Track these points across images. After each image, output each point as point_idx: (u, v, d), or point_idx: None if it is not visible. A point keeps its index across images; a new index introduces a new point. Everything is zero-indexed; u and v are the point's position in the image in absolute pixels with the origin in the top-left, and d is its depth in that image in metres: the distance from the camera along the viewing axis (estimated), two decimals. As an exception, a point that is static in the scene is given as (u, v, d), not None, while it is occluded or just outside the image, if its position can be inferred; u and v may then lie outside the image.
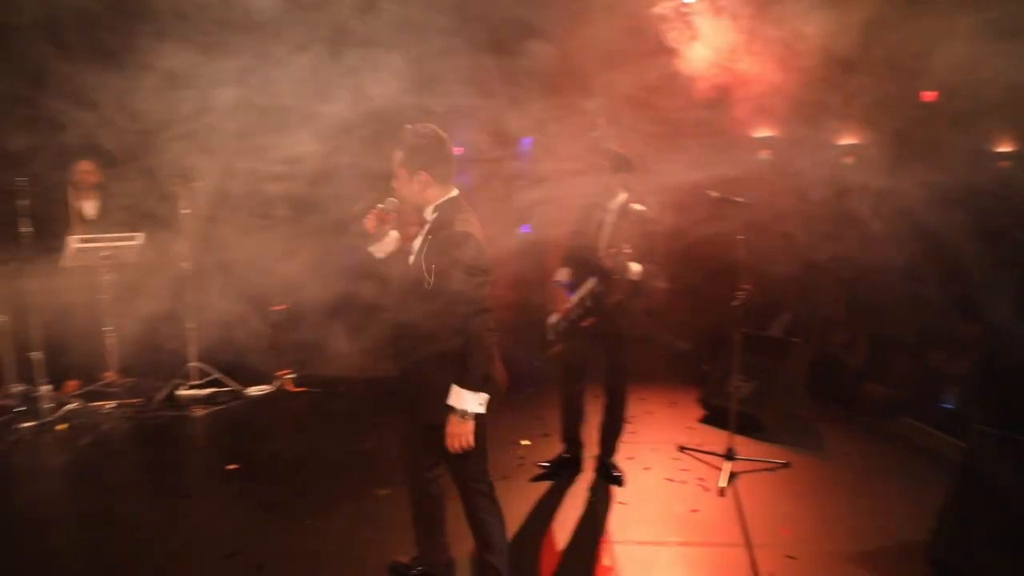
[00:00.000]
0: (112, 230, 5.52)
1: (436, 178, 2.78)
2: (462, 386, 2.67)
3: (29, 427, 5.05)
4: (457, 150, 8.68)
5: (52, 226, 5.37)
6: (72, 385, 5.69)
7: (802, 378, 5.47)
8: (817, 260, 5.73)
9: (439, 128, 2.81)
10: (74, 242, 5.23)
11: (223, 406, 5.59)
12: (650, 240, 3.95)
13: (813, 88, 5.33)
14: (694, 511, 3.90)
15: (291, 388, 5.97)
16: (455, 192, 2.84)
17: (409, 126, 2.80)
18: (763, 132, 7.31)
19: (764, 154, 7.23)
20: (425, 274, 2.70)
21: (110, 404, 5.49)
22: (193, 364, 5.77)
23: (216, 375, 5.80)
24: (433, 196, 2.80)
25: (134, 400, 5.58)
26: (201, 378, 5.78)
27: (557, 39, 6.05)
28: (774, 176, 6.09)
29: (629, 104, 5.90)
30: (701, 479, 4.27)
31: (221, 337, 5.68)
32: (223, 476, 4.39)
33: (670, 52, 5.20)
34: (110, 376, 5.80)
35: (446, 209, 2.79)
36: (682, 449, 4.68)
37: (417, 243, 2.83)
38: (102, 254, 5.35)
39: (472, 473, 2.89)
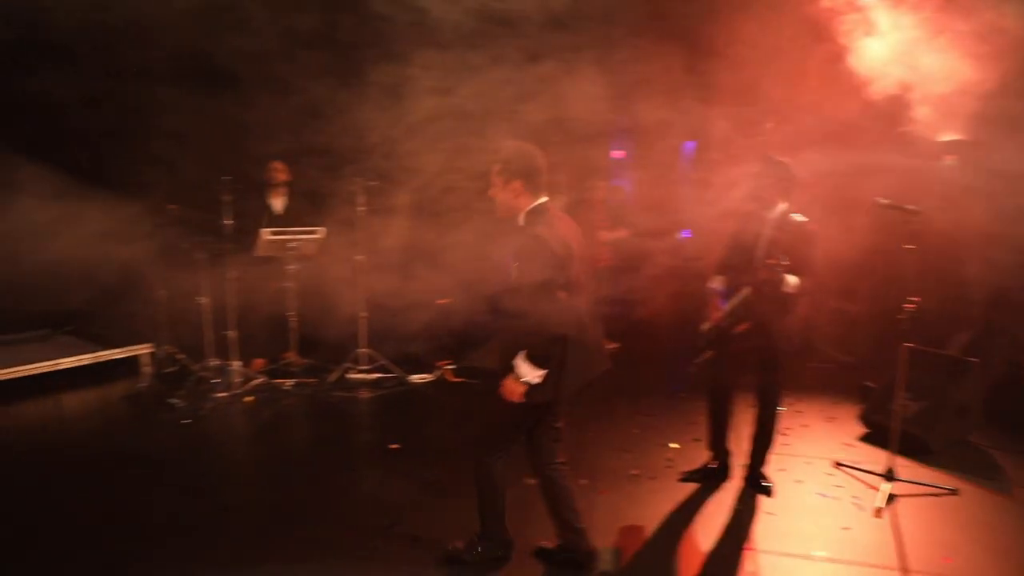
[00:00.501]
0: (297, 224, 6.06)
1: (527, 187, 3.13)
2: (527, 356, 3.06)
3: (222, 397, 5.67)
4: (618, 153, 8.78)
5: (249, 219, 5.97)
6: (258, 363, 6.30)
7: (979, 402, 5.11)
8: (1009, 276, 5.33)
9: (533, 144, 3.21)
10: (265, 234, 5.80)
11: (387, 391, 5.99)
12: (809, 252, 3.88)
13: (1006, 87, 4.97)
14: (846, 529, 3.78)
15: (450, 378, 6.29)
16: (544, 199, 3.17)
17: (508, 141, 3.23)
18: (948, 135, 6.86)
19: (948, 159, 6.78)
20: (510, 270, 3.09)
21: (289, 382, 6.03)
22: (363, 350, 6.21)
23: (383, 361, 6.21)
24: (524, 203, 3.16)
25: (310, 380, 6.11)
26: (369, 364, 6.22)
27: (721, 39, 5.99)
28: (960, 183, 5.71)
29: (797, 108, 5.75)
30: (856, 498, 4.12)
31: (389, 326, 6.11)
32: (385, 454, 4.73)
33: (843, 49, 5.03)
34: (290, 356, 6.38)
35: (533, 214, 3.15)
36: (838, 465, 4.52)
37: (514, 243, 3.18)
38: (289, 245, 5.89)
39: (492, 441, 3.33)
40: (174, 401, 5.55)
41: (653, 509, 3.99)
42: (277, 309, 6.12)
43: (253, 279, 5.86)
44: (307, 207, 6.31)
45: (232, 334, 5.81)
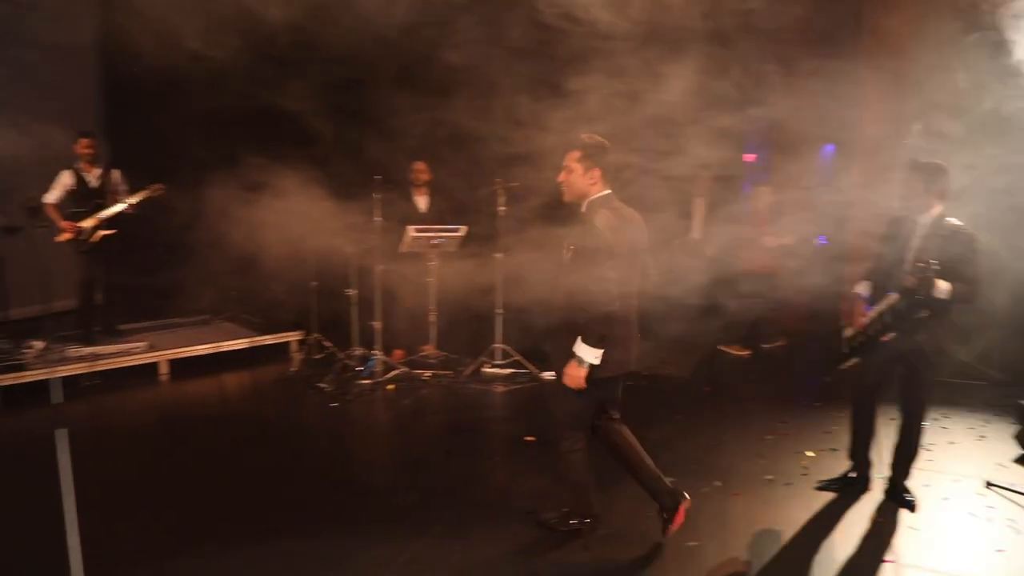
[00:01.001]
0: (440, 222, 6.34)
1: (603, 177, 3.37)
2: (583, 340, 3.23)
3: (366, 384, 6.01)
4: (749, 157, 8.61)
5: (396, 216, 6.30)
6: (398, 353, 6.63)
7: None
8: None
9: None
10: (411, 231, 6.11)
11: (521, 385, 6.16)
12: (965, 258, 3.73)
13: None
14: (1000, 551, 3.62)
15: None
16: (608, 191, 3.39)
17: (586, 134, 3.42)
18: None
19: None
20: (564, 253, 3.35)
21: (427, 373, 6.32)
22: (498, 346, 6.42)
23: (517, 357, 6.40)
24: (595, 191, 3.37)
25: (446, 372, 6.37)
26: (504, 359, 6.42)
27: (864, 36, 5.81)
28: None
29: (946, 108, 5.51)
30: (1011, 520, 3.92)
31: (524, 324, 6.29)
32: (520, 446, 4.90)
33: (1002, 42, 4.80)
34: (428, 349, 6.68)
35: (596, 203, 3.35)
36: (989, 485, 4.32)
37: (571, 231, 3.41)
38: (432, 242, 6.18)
39: (565, 420, 3.52)
40: (322, 385, 5.94)
41: (788, 514, 3.95)
42: (418, 303, 6.44)
43: (398, 274, 6.19)
44: (449, 206, 6.59)
45: (377, 325, 6.15)
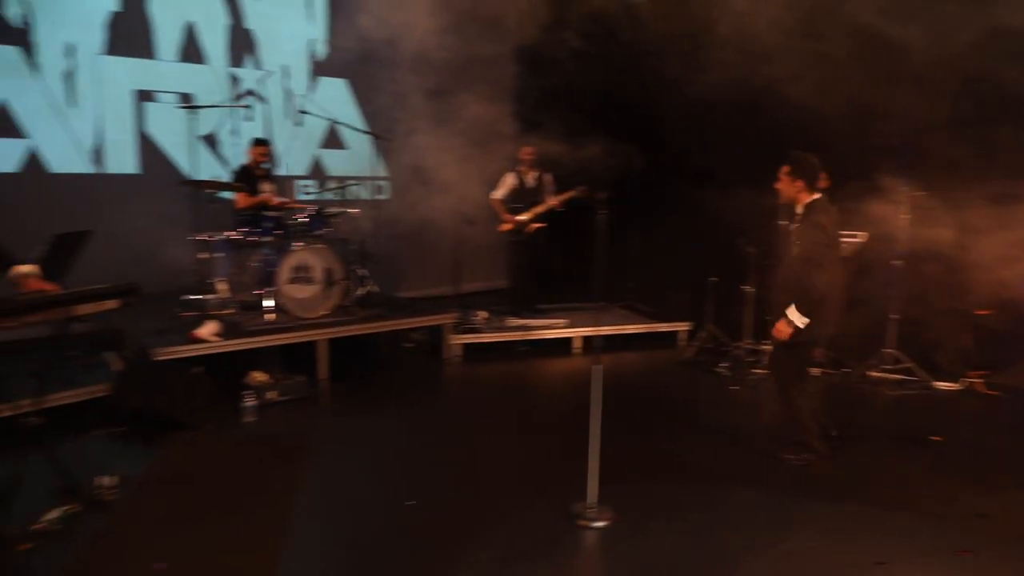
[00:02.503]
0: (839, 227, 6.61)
1: (807, 186, 4.45)
2: (796, 308, 4.36)
3: (760, 373, 6.53)
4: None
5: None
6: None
7: None
8: None
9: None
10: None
11: (909, 392, 6.24)
12: None
13: None
14: None
15: (982, 390, 6.28)
16: (818, 196, 4.46)
17: (798, 151, 4.47)
18: None
19: None
20: (794, 246, 4.50)
21: (817, 370, 6.65)
22: (889, 351, 6.55)
23: (908, 364, 6.48)
24: (803, 198, 4.47)
25: (835, 371, 6.66)
26: (894, 364, 6.53)
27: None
28: None
29: None
30: None
31: (920, 331, 6.35)
32: (916, 446, 5.08)
33: None
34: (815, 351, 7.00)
35: (811, 207, 4.45)
36: None
37: (794, 227, 4.60)
38: (830, 246, 6.50)
39: (791, 379, 4.69)
40: (721, 370, 6.58)
41: None
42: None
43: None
44: (850, 213, 6.83)
45: (771, 319, 6.63)
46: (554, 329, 7.41)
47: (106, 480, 4.05)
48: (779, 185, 4.54)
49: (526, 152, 7.68)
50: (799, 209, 4.50)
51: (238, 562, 3.45)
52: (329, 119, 8.36)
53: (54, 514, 3.73)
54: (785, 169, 4.48)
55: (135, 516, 3.91)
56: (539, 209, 7.68)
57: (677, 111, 7.26)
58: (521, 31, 5.36)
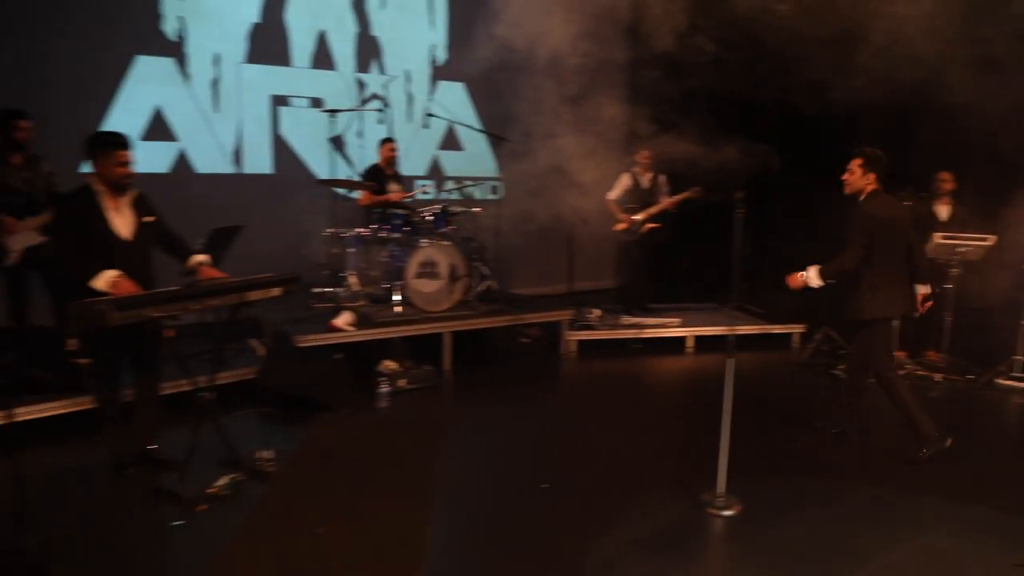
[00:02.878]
0: (963, 231, 6.48)
1: (876, 180, 4.70)
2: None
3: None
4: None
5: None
6: (900, 355, 6.91)
7: None
8: None
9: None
10: (937, 238, 6.38)
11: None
12: None
13: None
14: None
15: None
16: (878, 188, 4.72)
17: (867, 148, 4.71)
18: None
19: None
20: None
21: (938, 376, 6.54)
22: (1019, 358, 6.37)
23: (1041, 372, 6.29)
24: (869, 188, 4.71)
25: (957, 377, 6.51)
26: (1023, 371, 6.34)
27: None
28: None
29: None
30: None
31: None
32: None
33: None
34: (931, 355, 6.86)
35: (869, 195, 4.71)
36: None
37: None
38: (957, 250, 6.37)
39: (878, 360, 4.90)
40: (838, 372, 6.54)
41: None
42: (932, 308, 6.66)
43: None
44: (973, 215, 6.68)
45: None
46: (668, 328, 7.51)
47: (265, 453, 4.44)
48: (849, 176, 4.76)
49: (643, 156, 7.81)
50: (861, 197, 4.75)
51: (390, 529, 3.75)
52: (455, 121, 8.72)
53: (223, 481, 4.13)
54: (858, 162, 4.72)
55: (292, 486, 4.27)
56: (653, 210, 7.79)
57: (807, 113, 7.25)
58: (654, 36, 5.48)
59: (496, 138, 7.52)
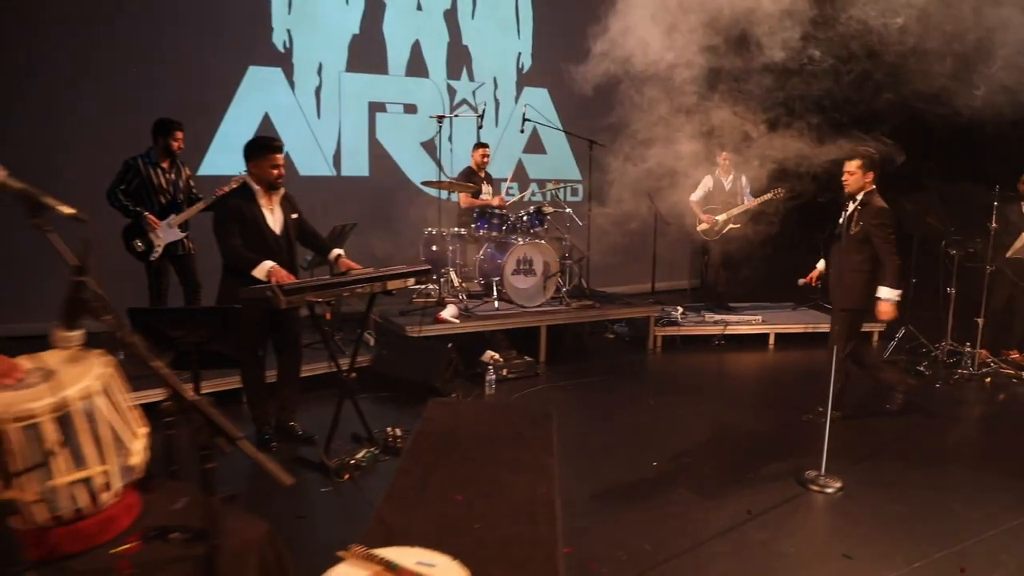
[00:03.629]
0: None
1: (875, 179, 5.03)
2: (887, 285, 5.03)
3: (963, 374, 6.64)
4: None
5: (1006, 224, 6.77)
6: (983, 353, 7.06)
7: None
8: None
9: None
10: (1024, 238, 6.55)
11: None
12: None
13: None
14: None
15: None
16: (874, 187, 5.04)
17: (865, 148, 5.07)
18: None
19: None
20: (854, 227, 5.03)
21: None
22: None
23: None
24: (867, 188, 5.03)
25: (1044, 375, 6.66)
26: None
27: None
28: None
29: None
30: None
31: None
32: None
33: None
34: (1014, 354, 6.99)
35: (869, 194, 5.04)
36: None
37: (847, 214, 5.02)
38: (1044, 250, 6.53)
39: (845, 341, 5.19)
40: (922, 370, 6.73)
41: None
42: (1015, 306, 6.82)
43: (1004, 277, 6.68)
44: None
45: (980, 321, 6.72)
46: (750, 325, 7.76)
47: (397, 431, 4.87)
48: (849, 177, 5.08)
49: (723, 157, 8.08)
50: (860, 197, 5.07)
51: (521, 497, 4.12)
52: (553, 126, 9.11)
53: (362, 454, 4.56)
54: (858, 163, 5.04)
55: (421, 460, 4.67)
56: (734, 211, 8.05)
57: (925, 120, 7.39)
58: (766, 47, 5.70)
59: (589, 143, 7.85)
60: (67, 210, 1.97)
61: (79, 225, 1.97)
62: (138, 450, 1.88)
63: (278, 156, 4.59)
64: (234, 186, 4.70)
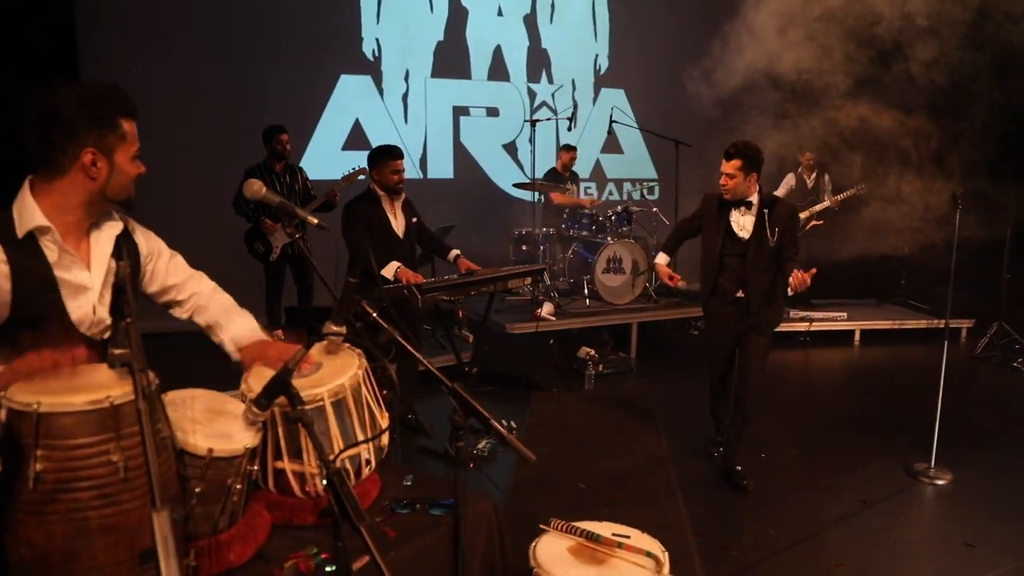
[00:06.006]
0: None
1: (758, 178, 4.13)
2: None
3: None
4: None
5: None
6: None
7: None
8: None
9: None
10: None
11: None
12: None
13: None
14: None
15: None
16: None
17: (742, 142, 4.13)
18: None
19: None
20: (767, 232, 4.10)
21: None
22: None
23: None
24: (753, 191, 4.14)
25: None
26: None
27: None
28: None
29: None
30: None
31: None
32: None
33: None
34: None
35: (766, 195, 4.18)
36: None
37: (746, 219, 4.18)
38: None
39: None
40: (1019, 365, 6.74)
41: None
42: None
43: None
44: None
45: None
46: (836, 321, 7.84)
47: (512, 423, 5.12)
48: (730, 182, 4.09)
49: (807, 158, 8.15)
50: (753, 199, 4.15)
51: (640, 483, 4.35)
52: (641, 128, 9.27)
53: (482, 444, 4.82)
54: (736, 163, 4.05)
55: (538, 451, 4.92)
56: (817, 208, 8.11)
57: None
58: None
59: (676, 143, 7.97)
60: (313, 220, 2.25)
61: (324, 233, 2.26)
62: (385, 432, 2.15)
63: (399, 162, 4.90)
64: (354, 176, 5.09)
